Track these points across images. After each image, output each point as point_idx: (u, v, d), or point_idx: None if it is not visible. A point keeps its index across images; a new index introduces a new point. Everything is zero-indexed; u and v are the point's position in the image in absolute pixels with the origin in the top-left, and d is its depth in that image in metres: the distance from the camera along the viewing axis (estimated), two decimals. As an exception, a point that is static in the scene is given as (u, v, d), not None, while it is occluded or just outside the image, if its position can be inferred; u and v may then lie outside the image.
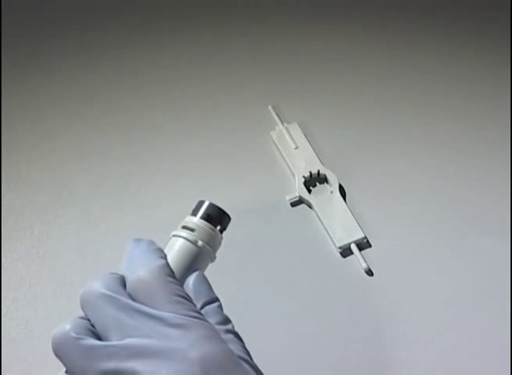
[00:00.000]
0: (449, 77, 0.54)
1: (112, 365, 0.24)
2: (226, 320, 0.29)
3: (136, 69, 0.58)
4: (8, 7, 0.63)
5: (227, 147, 0.51)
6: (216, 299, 0.29)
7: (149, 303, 0.26)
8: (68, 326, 0.25)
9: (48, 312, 0.42)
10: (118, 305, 0.25)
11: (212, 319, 0.28)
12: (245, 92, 0.55)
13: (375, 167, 0.49)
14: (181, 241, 0.29)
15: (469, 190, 0.47)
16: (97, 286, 0.26)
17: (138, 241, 0.29)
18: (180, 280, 0.28)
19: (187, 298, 0.26)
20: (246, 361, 0.26)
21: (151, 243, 0.29)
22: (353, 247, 0.44)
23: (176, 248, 0.29)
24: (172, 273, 0.27)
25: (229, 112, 0.54)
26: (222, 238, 0.31)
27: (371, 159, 0.50)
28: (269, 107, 0.52)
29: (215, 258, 0.31)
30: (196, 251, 0.29)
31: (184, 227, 0.30)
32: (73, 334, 0.25)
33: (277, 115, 0.52)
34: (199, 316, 0.26)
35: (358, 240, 0.44)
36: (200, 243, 0.29)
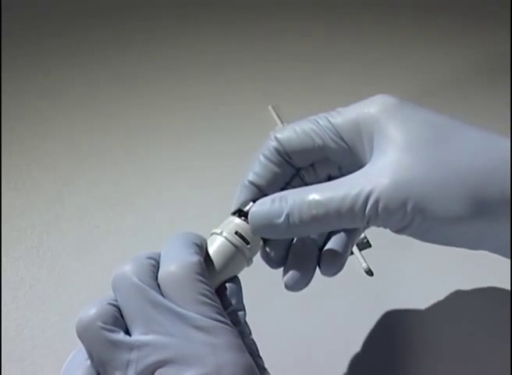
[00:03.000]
0: (449, 79, 0.54)
1: (133, 358, 0.24)
2: (248, 331, 0.28)
3: (136, 69, 0.58)
4: (9, 7, 0.63)
5: (227, 147, 0.51)
6: (243, 309, 0.29)
7: (177, 299, 0.25)
8: (94, 312, 0.25)
9: (48, 312, 0.42)
10: (147, 298, 0.25)
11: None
12: (245, 92, 0.55)
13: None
14: (232, 249, 0.28)
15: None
16: (131, 272, 0.26)
17: (184, 232, 0.29)
18: (213, 282, 0.27)
19: (215, 300, 0.26)
20: (263, 370, 0.27)
21: (194, 236, 0.28)
22: (353, 247, 0.44)
23: (223, 253, 0.28)
24: (203, 272, 0.26)
25: (229, 112, 0.54)
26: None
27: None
28: (269, 107, 0.52)
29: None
30: (243, 264, 0.29)
31: (239, 236, 0.29)
32: (99, 324, 0.24)
33: (277, 115, 0.52)
34: (225, 320, 0.25)
35: (358, 240, 0.44)
36: (252, 260, 0.29)
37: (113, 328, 0.25)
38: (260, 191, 0.30)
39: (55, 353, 0.39)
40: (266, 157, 0.30)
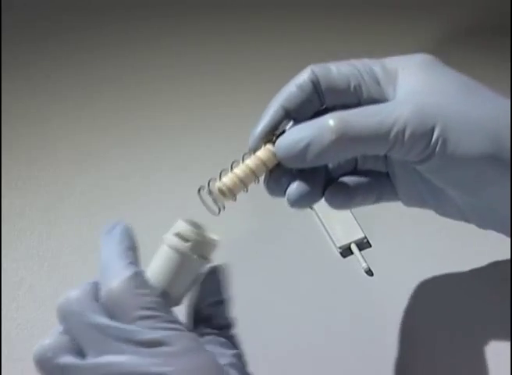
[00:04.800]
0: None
1: None
2: (227, 325, 0.29)
3: (136, 69, 0.58)
4: (9, 7, 0.63)
5: (227, 147, 0.51)
6: (223, 300, 0.29)
7: (121, 317, 0.25)
8: (47, 342, 0.25)
9: (48, 312, 0.42)
10: (90, 323, 0.25)
11: (214, 321, 0.28)
12: (245, 92, 0.55)
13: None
14: (174, 254, 0.28)
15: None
16: (71, 300, 0.26)
17: (109, 234, 0.29)
18: (171, 286, 0.27)
19: (159, 308, 0.25)
20: (234, 367, 0.26)
21: (123, 239, 0.28)
22: (353, 247, 0.44)
23: (163, 257, 0.28)
24: (143, 283, 0.26)
25: (230, 112, 0.54)
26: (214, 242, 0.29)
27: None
28: (269, 107, 0.52)
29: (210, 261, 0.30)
30: (193, 265, 0.28)
31: (178, 235, 0.28)
32: (49, 354, 0.25)
33: (277, 115, 0.52)
34: (175, 326, 0.25)
35: (358, 240, 0.44)
36: (195, 256, 0.28)
37: (64, 355, 0.25)
38: (287, 116, 0.30)
39: (54, 353, 0.39)
40: (299, 86, 0.30)
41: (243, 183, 0.28)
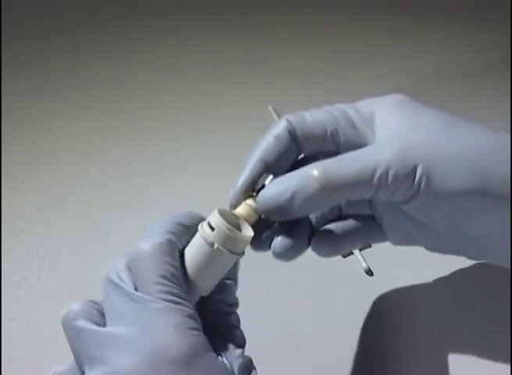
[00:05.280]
0: (449, 79, 0.54)
1: (98, 352, 0.24)
2: (233, 301, 0.29)
3: (136, 69, 0.58)
4: (9, 6, 0.63)
5: (227, 147, 0.51)
6: (233, 279, 0.30)
7: (139, 280, 0.25)
8: (73, 306, 0.26)
9: (47, 312, 0.42)
10: (115, 290, 0.25)
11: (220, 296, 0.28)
12: (245, 92, 0.55)
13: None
14: (204, 245, 0.27)
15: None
16: (107, 270, 0.27)
17: (183, 211, 0.29)
18: (196, 273, 0.27)
19: (172, 279, 0.25)
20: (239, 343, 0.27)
21: (184, 216, 0.28)
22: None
23: (193, 243, 0.28)
24: (171, 252, 0.26)
25: (229, 112, 0.54)
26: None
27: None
28: (269, 107, 0.52)
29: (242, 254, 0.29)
30: (223, 257, 0.28)
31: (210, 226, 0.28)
32: (71, 315, 0.25)
33: (277, 115, 0.52)
34: (176, 299, 0.25)
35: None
36: (216, 246, 0.27)
37: (82, 319, 0.25)
38: (266, 169, 0.30)
39: (54, 353, 0.39)
40: (277, 136, 0.30)
41: None
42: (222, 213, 0.28)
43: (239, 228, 0.28)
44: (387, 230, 0.32)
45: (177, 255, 0.27)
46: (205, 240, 0.27)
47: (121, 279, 0.26)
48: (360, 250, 0.44)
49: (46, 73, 0.58)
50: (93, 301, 0.27)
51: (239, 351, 0.27)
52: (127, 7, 0.64)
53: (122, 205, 0.48)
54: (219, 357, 0.25)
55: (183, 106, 0.55)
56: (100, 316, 0.26)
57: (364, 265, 0.43)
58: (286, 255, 0.30)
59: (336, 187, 0.26)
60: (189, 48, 0.60)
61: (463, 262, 0.43)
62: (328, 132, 0.29)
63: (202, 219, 0.29)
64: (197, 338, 0.24)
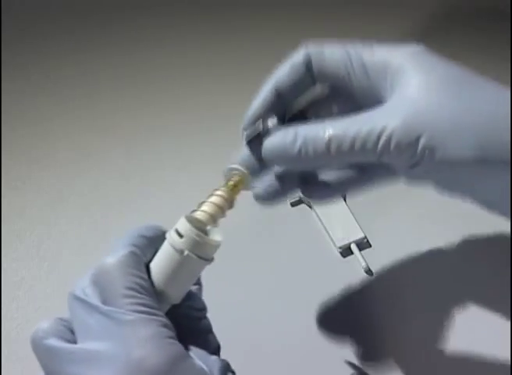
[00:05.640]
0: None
1: (72, 370, 0.24)
2: (201, 306, 0.29)
3: (136, 69, 0.58)
4: (9, 7, 0.63)
5: (227, 147, 0.51)
6: (196, 283, 0.30)
7: (107, 294, 0.25)
8: (42, 325, 0.26)
9: (47, 312, 0.42)
10: (82, 306, 0.25)
11: (188, 303, 0.28)
12: (245, 92, 0.55)
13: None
14: (172, 252, 0.27)
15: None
16: (73, 287, 0.26)
17: (145, 224, 0.29)
18: (166, 281, 0.27)
19: (141, 290, 0.25)
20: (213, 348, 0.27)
21: (142, 228, 0.28)
22: (353, 247, 0.44)
23: (162, 252, 0.28)
24: (136, 264, 0.26)
25: (229, 112, 0.53)
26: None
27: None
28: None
29: (211, 260, 0.29)
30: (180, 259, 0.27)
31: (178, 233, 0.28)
32: (40, 334, 0.25)
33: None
34: (148, 310, 0.25)
35: (358, 240, 0.44)
36: (186, 252, 0.27)
37: (53, 338, 0.25)
38: (278, 97, 0.32)
39: (54, 353, 0.39)
40: (293, 66, 0.31)
41: (220, 210, 0.29)
42: (189, 220, 0.28)
43: (206, 234, 0.28)
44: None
45: (143, 266, 0.27)
46: (174, 247, 0.27)
47: (87, 294, 0.25)
48: (360, 250, 0.44)
49: (46, 72, 0.58)
50: (61, 319, 0.26)
51: (215, 355, 0.27)
52: (127, 7, 0.64)
53: (122, 205, 0.48)
54: (198, 363, 0.25)
55: (183, 106, 0.55)
56: (70, 334, 0.25)
57: (364, 265, 0.43)
58: (269, 198, 0.32)
59: (343, 150, 0.27)
60: (189, 47, 0.60)
61: (463, 262, 0.43)
62: (341, 75, 0.30)
63: (164, 232, 0.28)
64: (174, 347, 0.24)
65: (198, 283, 0.31)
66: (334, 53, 0.31)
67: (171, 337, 0.24)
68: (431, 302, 0.42)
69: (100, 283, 0.26)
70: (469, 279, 0.43)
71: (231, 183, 0.31)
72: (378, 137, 0.26)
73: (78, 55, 0.59)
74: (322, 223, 0.45)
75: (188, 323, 0.28)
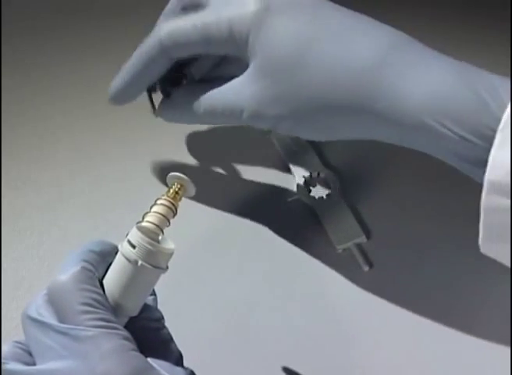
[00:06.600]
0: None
1: None
2: (158, 316, 0.29)
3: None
4: (8, 6, 0.63)
5: (227, 147, 0.51)
6: (152, 293, 0.30)
7: (62, 312, 0.25)
8: (3, 348, 0.25)
9: (47, 312, 0.42)
10: (37, 326, 0.25)
11: (144, 314, 0.28)
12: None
13: (376, 167, 0.49)
14: (125, 262, 0.27)
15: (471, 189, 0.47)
16: (26, 307, 0.26)
17: (93, 240, 0.29)
18: (121, 293, 0.27)
19: (97, 305, 0.25)
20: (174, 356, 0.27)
21: (93, 243, 0.28)
22: (353, 247, 0.44)
23: (115, 264, 0.27)
24: (89, 279, 0.26)
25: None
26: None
27: (372, 159, 0.50)
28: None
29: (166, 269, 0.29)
30: (145, 273, 0.27)
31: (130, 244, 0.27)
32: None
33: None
34: (107, 324, 0.25)
35: (358, 240, 0.44)
36: (139, 262, 0.27)
37: (11, 362, 0.24)
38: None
39: (55, 353, 0.39)
40: (151, 57, 0.37)
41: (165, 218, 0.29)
42: (140, 229, 0.28)
43: (159, 242, 0.28)
44: None
45: (96, 281, 0.26)
46: (128, 258, 0.27)
47: (41, 314, 0.25)
48: (360, 249, 0.44)
49: (46, 71, 0.58)
50: (17, 342, 0.26)
51: (178, 366, 0.27)
52: (127, 6, 0.64)
53: (122, 205, 0.48)
54: (163, 374, 0.25)
55: (183, 106, 0.55)
56: (27, 356, 0.25)
57: (363, 265, 0.43)
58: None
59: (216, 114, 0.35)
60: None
61: (464, 262, 0.43)
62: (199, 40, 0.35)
63: (115, 246, 0.28)
64: (138, 359, 0.24)
65: (152, 293, 0.30)
66: (185, 22, 0.35)
67: (134, 350, 0.24)
68: (431, 302, 0.42)
69: (54, 301, 0.25)
70: (469, 279, 0.43)
71: (172, 190, 0.31)
72: (241, 113, 0.35)
73: (78, 54, 0.59)
74: (322, 223, 0.45)
75: (147, 334, 0.28)
